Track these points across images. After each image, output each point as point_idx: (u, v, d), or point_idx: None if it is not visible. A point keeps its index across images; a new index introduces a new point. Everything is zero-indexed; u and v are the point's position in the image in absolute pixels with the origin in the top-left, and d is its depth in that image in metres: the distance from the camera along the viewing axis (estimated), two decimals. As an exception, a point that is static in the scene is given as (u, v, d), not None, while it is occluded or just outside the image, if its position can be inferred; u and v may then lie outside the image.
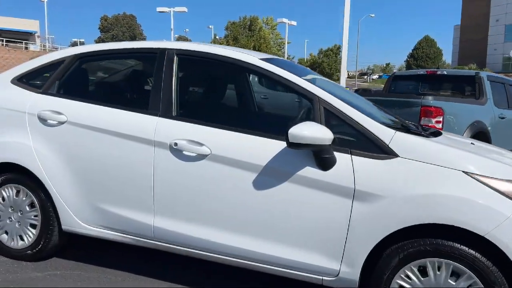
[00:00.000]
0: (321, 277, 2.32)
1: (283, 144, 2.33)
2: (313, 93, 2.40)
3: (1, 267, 2.94)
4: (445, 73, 6.78)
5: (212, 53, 2.68)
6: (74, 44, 61.11)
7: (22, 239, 3.01)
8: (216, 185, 2.46)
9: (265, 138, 2.40)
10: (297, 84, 2.44)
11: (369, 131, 2.27)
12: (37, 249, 2.97)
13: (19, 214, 3.00)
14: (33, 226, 2.98)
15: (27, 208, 2.97)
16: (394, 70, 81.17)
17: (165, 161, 2.55)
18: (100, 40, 63.52)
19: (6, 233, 3.05)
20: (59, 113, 2.83)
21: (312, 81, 2.51)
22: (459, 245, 2.05)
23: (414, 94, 6.02)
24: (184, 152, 2.51)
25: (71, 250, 3.18)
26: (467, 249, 2.04)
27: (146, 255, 3.11)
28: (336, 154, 2.24)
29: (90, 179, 2.77)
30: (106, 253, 3.20)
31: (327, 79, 3.12)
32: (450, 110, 5.32)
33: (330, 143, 2.19)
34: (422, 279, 2.13)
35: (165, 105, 2.65)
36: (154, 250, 2.76)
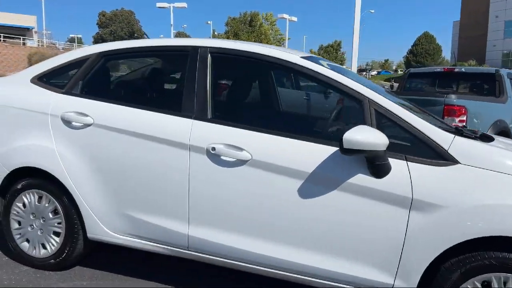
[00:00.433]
0: (372, 292, 2.17)
1: (331, 150, 2.18)
2: (362, 94, 2.24)
3: (23, 277, 2.79)
4: (463, 70, 6.63)
5: (249, 52, 2.52)
6: (71, 40, 60.64)
7: (44, 247, 2.85)
8: (257, 192, 2.31)
9: (311, 143, 2.24)
10: (345, 85, 2.28)
11: (426, 135, 2.12)
12: (61, 258, 2.81)
13: (41, 221, 2.84)
14: (57, 234, 2.82)
15: (50, 215, 2.81)
16: (394, 67, 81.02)
17: (201, 166, 2.40)
18: (98, 36, 63.05)
19: (28, 241, 2.89)
20: (85, 115, 2.67)
21: (359, 81, 2.36)
22: (528, 259, 1.91)
23: (436, 92, 5.88)
24: (222, 157, 2.35)
25: (93, 258, 3.03)
26: (537, 263, 1.90)
27: (173, 261, 2.97)
28: (390, 160, 2.09)
29: (118, 185, 2.61)
30: (128, 260, 3.05)
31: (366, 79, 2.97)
32: (473, 109, 5.19)
33: (385, 148, 2.04)
34: (486, 295, 1.99)
35: (200, 107, 2.49)
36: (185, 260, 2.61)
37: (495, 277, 1.96)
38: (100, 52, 2.84)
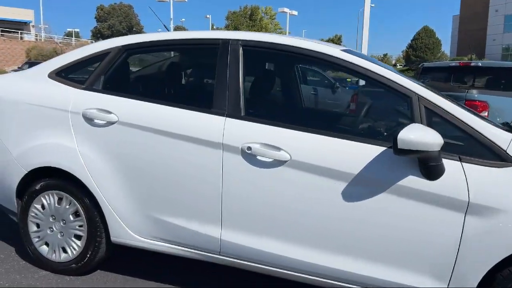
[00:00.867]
0: (423, 301, 2.04)
1: (378, 149, 2.05)
2: (411, 90, 2.10)
3: (43, 283, 2.65)
4: (480, 64, 6.49)
5: (285, 45, 2.37)
6: (69, 34, 60.14)
7: (65, 251, 2.72)
8: (297, 195, 2.17)
9: (356, 142, 2.10)
10: (393, 80, 2.14)
11: (482, 134, 1.98)
12: (82, 262, 2.67)
13: (61, 224, 2.70)
14: (78, 237, 2.68)
15: (71, 218, 2.67)
16: (393, 61, 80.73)
17: (236, 167, 2.26)
18: (96, 30, 62.57)
19: (47, 244, 2.76)
20: (108, 112, 2.52)
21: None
22: None
23: (457, 87, 5.74)
24: (258, 158, 2.21)
25: (113, 261, 2.89)
26: None
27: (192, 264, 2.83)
28: (444, 161, 1.95)
29: (145, 186, 2.47)
30: (150, 264, 2.92)
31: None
32: (495, 104, 5.07)
33: (439, 148, 1.90)
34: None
35: (232, 104, 2.35)
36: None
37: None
38: (123, 46, 2.68)
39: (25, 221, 2.78)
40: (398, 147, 1.85)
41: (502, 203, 1.87)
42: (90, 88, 2.65)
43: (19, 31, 43.57)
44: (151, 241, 2.54)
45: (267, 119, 2.30)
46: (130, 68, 2.85)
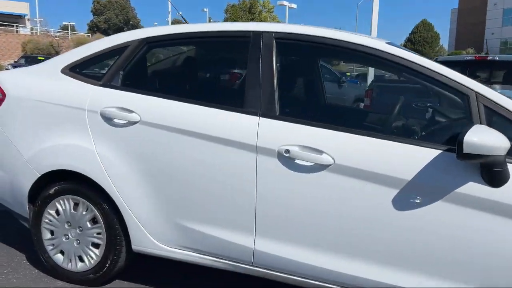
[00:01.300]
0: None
1: (432, 153, 1.86)
2: (469, 88, 1.92)
3: (59, 295, 2.47)
4: (497, 58, 6.30)
5: (324, 37, 2.17)
6: (65, 28, 59.49)
7: (82, 260, 2.53)
8: (341, 202, 1.99)
9: (407, 145, 1.92)
10: (449, 77, 1.96)
11: None
12: (101, 272, 2.49)
13: (77, 231, 2.51)
14: (96, 245, 2.49)
15: (88, 224, 2.48)
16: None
17: (272, 171, 2.07)
18: (93, 24, 61.88)
19: (62, 253, 2.57)
20: (129, 111, 2.32)
21: None
22: None
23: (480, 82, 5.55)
24: (297, 161, 2.03)
25: (130, 270, 2.71)
26: None
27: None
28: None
29: (170, 192, 2.28)
30: (168, 273, 2.74)
31: None
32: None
33: (505, 153, 1.72)
34: None
35: (266, 102, 2.16)
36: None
37: None
38: (143, 38, 2.48)
39: (38, 228, 2.59)
40: (464, 151, 1.67)
41: None
42: (108, 84, 2.45)
43: (15, 25, 43.00)
44: (176, 250, 2.36)
45: (304, 118, 2.11)
46: (155, 63, 2.64)
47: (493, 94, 1.90)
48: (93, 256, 2.50)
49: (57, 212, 2.54)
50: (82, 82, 2.50)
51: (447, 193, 1.82)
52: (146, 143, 2.29)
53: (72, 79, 2.53)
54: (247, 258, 2.20)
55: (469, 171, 1.80)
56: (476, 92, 1.90)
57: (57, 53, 34.34)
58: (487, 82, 6.06)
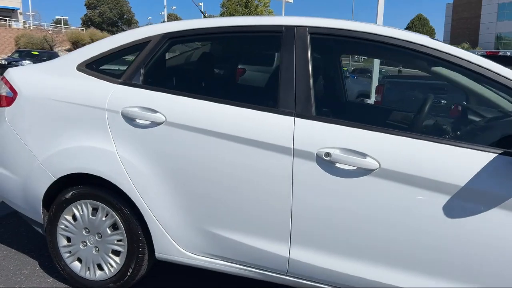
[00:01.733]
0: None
1: (488, 157, 1.74)
2: None
3: (78, 305, 2.33)
4: (508, 54, 6.20)
5: (367, 32, 2.03)
6: (57, 22, 58.79)
7: (101, 268, 2.39)
8: (385, 209, 1.86)
9: (460, 148, 1.79)
10: (504, 76, 1.83)
11: None
12: (122, 281, 2.36)
13: (96, 238, 2.37)
14: (116, 252, 2.36)
15: (108, 231, 2.34)
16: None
17: (309, 175, 1.94)
18: (86, 18, 61.16)
19: (80, 260, 2.43)
20: (153, 111, 2.18)
21: None
22: None
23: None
24: (337, 165, 1.90)
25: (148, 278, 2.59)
26: None
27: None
28: None
29: (198, 197, 2.14)
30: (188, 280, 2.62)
31: None
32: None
33: None
34: None
35: (302, 101, 2.02)
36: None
37: None
38: (166, 33, 2.33)
39: (53, 234, 2.45)
40: None
41: None
42: (128, 82, 2.30)
43: (7, 19, 42.37)
44: (202, 258, 2.23)
45: (342, 119, 1.98)
46: (179, 60, 2.50)
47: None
48: (113, 264, 2.36)
49: (74, 217, 2.40)
50: (100, 80, 2.35)
51: (506, 199, 1.70)
52: (171, 145, 2.15)
53: (89, 76, 2.38)
54: (281, 267, 2.07)
55: None
56: None
57: (51, 48, 33.95)
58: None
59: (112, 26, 58.10)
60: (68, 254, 2.44)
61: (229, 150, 2.05)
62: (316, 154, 1.92)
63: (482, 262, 1.76)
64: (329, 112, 2.09)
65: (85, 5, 62.95)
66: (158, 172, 2.18)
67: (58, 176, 2.34)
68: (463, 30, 61.96)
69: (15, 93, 2.48)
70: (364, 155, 1.86)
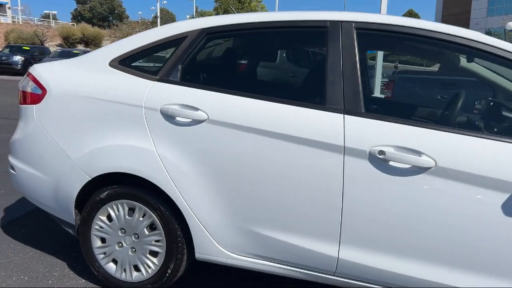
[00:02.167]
0: None
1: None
2: None
3: (115, 308, 2.28)
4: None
5: (416, 28, 1.99)
6: (46, 17, 57.94)
7: (137, 269, 2.34)
8: (442, 208, 1.83)
9: None
10: None
11: None
12: (160, 282, 2.31)
13: (133, 238, 2.32)
14: (154, 253, 2.31)
15: (146, 231, 2.29)
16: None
17: (361, 174, 1.91)
18: (76, 12, 60.32)
19: (115, 262, 2.38)
20: (194, 109, 2.12)
21: None
22: None
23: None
24: (391, 163, 1.86)
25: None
26: None
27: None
28: None
29: (241, 196, 2.10)
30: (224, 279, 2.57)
31: None
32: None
33: None
34: None
35: (350, 98, 1.98)
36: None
37: None
38: (203, 29, 2.27)
39: (87, 235, 2.39)
40: None
41: None
42: (166, 79, 2.24)
43: (-4, 13, 41.68)
44: (245, 258, 2.19)
45: (393, 116, 1.94)
46: (217, 56, 2.44)
47: None
48: (151, 265, 2.31)
49: (109, 218, 2.34)
50: (136, 77, 2.29)
51: None
52: (214, 144, 2.10)
53: (123, 73, 2.32)
54: (329, 267, 2.04)
55: None
56: None
57: (42, 43, 33.41)
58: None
59: (103, 21, 57.43)
60: (102, 255, 2.39)
61: (275, 148, 2.00)
62: (369, 152, 1.88)
63: None
64: (378, 109, 2.05)
65: (75, -1, 62.08)
66: (200, 171, 2.13)
67: (93, 176, 2.27)
68: (454, 25, 62.33)
69: (43, 90, 2.41)
70: (419, 153, 1.83)
